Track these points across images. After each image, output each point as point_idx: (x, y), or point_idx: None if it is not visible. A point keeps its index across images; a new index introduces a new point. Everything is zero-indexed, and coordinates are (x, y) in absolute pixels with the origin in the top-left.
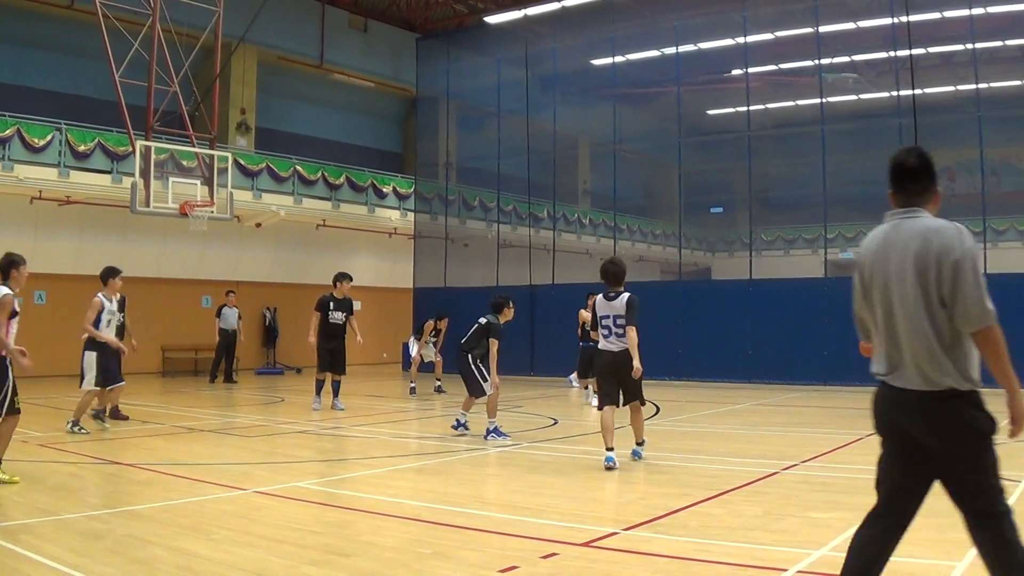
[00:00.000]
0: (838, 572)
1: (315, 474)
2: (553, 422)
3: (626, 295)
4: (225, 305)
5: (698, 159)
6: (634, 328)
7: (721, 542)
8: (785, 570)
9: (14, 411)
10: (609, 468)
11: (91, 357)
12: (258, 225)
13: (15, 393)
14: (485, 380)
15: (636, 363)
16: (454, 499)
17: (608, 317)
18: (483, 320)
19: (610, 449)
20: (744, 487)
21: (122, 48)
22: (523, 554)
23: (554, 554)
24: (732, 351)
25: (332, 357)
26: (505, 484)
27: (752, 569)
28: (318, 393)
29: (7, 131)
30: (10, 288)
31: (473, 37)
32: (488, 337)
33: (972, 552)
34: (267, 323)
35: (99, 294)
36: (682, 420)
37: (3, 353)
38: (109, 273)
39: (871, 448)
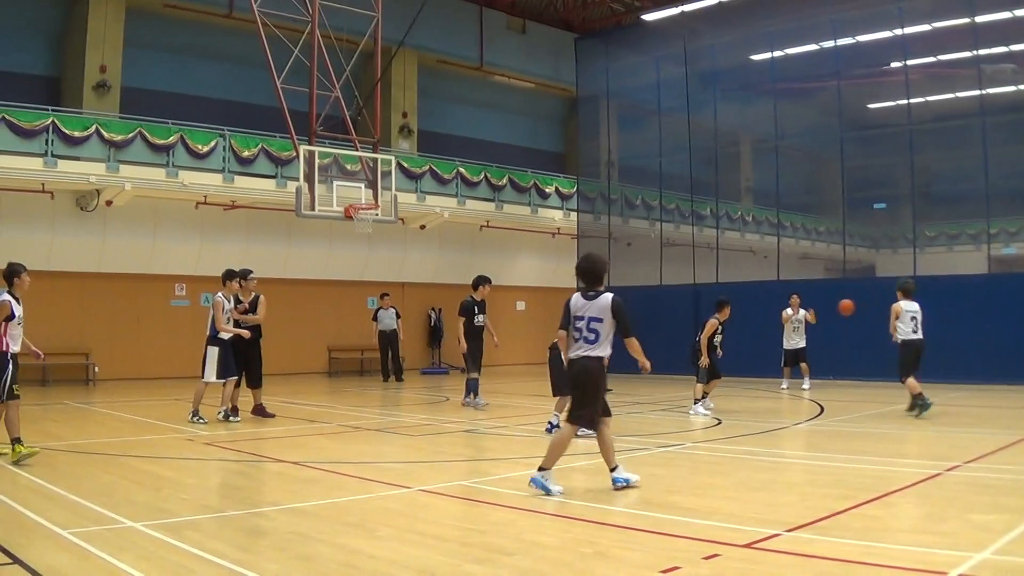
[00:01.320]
0: None
1: (479, 473)
2: (717, 422)
3: (608, 296)
4: (381, 308)
5: (860, 154)
6: (633, 338)
7: (883, 544)
8: (946, 573)
9: (13, 396)
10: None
11: (214, 352)
12: (422, 227)
13: (14, 382)
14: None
15: (645, 361)
16: (616, 499)
17: (582, 318)
18: None
19: (617, 467)
20: (906, 489)
21: (283, 55)
22: (685, 555)
23: (716, 555)
24: (896, 349)
25: (481, 357)
26: (667, 484)
27: (914, 572)
28: (476, 392)
29: (171, 138)
30: (12, 295)
31: (631, 36)
32: None
33: (995, 544)
34: (432, 323)
35: (219, 293)
36: (846, 420)
37: (3, 349)
38: (227, 275)
39: None
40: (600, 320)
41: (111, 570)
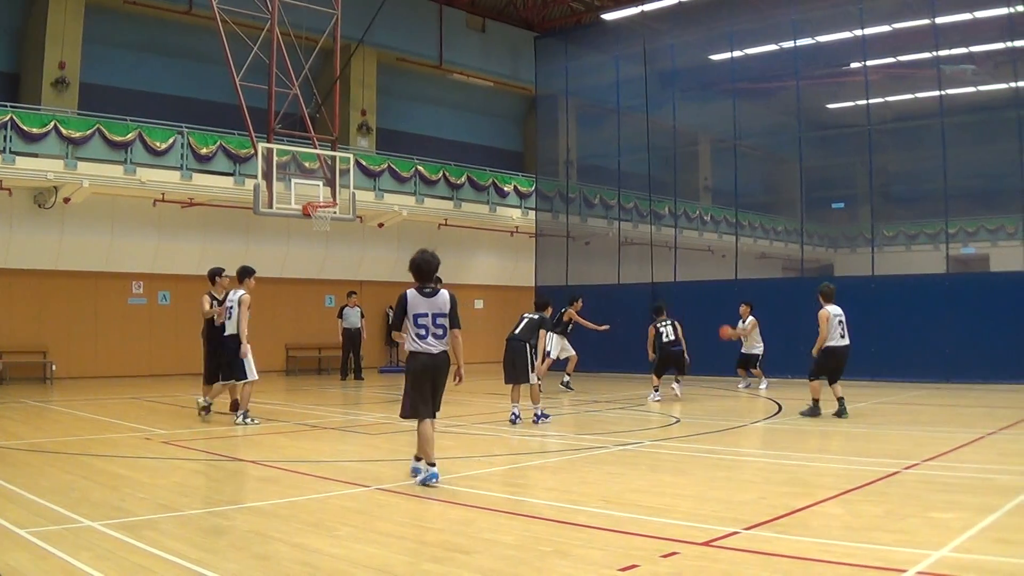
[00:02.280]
0: (958, 573)
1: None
2: (675, 420)
3: (446, 292)
4: (346, 306)
5: (818, 154)
6: (459, 331)
7: (842, 542)
8: (905, 571)
9: None
10: (428, 485)
11: (249, 350)
12: (380, 225)
13: None
14: (533, 370)
15: (462, 369)
16: (575, 497)
17: (427, 315)
18: (536, 316)
19: (433, 464)
20: (865, 487)
21: (242, 52)
22: (644, 553)
23: (675, 553)
24: (853, 348)
25: None
26: (626, 483)
27: (872, 570)
28: None
29: (129, 135)
30: None
31: (591, 35)
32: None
33: (953, 542)
34: (390, 322)
35: (244, 292)
36: (804, 419)
37: None
38: (244, 273)
39: (994, 447)
40: (446, 315)
41: (69, 570)
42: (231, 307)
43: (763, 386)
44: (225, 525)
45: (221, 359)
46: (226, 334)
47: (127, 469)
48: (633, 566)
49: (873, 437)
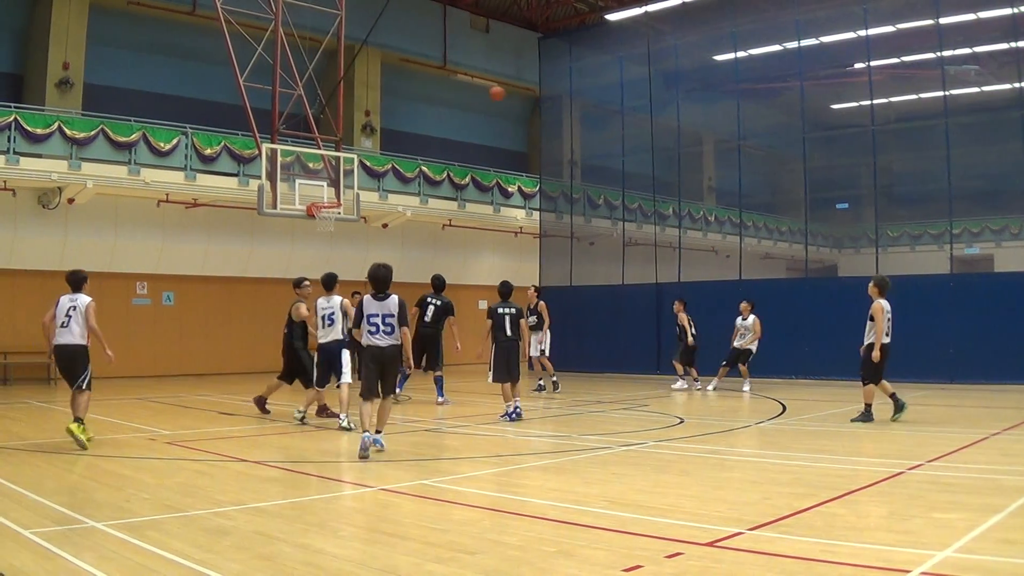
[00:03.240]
0: (962, 574)
1: (441, 472)
2: (679, 421)
3: (395, 297)
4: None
5: (823, 154)
6: (407, 328)
7: (846, 543)
8: (909, 571)
9: None
10: (364, 455)
11: (347, 355)
12: (385, 226)
13: None
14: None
15: (411, 359)
16: (579, 498)
17: (378, 316)
18: (513, 309)
19: (367, 431)
20: (869, 487)
21: (246, 53)
22: (648, 553)
23: (679, 553)
24: (858, 349)
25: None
26: (630, 483)
27: (876, 570)
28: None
29: (133, 136)
30: None
31: (595, 35)
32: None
33: (957, 542)
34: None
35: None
36: (808, 419)
37: None
38: (330, 281)
39: (997, 447)
40: (394, 316)
41: (73, 570)
42: (331, 313)
43: (746, 387)
44: (229, 526)
45: (304, 364)
46: (324, 341)
47: (131, 470)
48: (637, 567)
49: (877, 437)
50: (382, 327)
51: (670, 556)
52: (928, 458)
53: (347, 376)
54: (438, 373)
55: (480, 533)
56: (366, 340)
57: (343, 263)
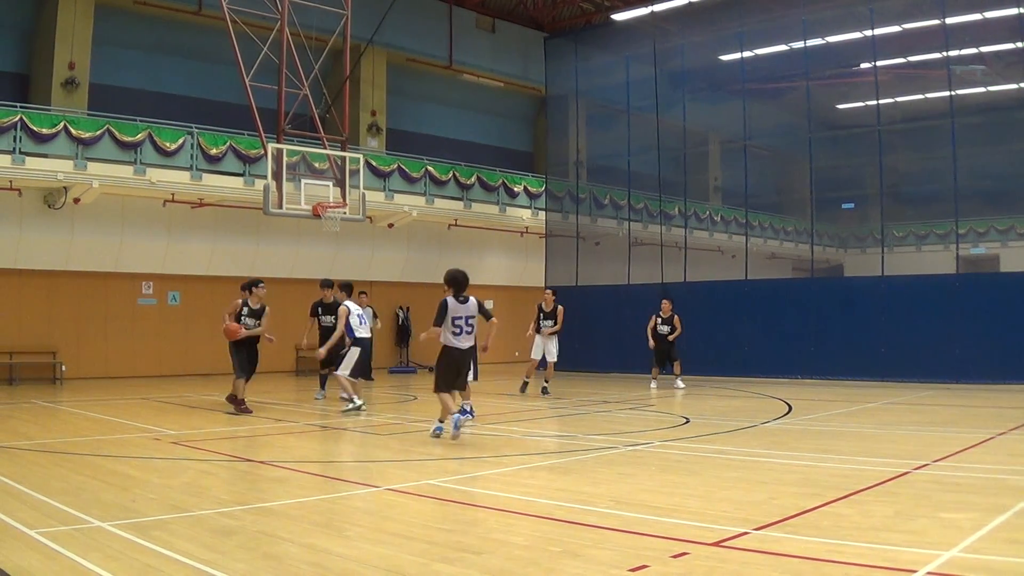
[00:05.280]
0: (968, 574)
1: (447, 472)
2: (685, 420)
3: (474, 299)
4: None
5: (828, 154)
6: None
7: (852, 543)
8: (915, 571)
9: None
10: (457, 435)
11: (355, 352)
12: (390, 225)
13: None
14: None
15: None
16: (585, 497)
17: (462, 318)
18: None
19: (454, 413)
20: (875, 487)
21: (251, 52)
22: (653, 553)
23: (685, 553)
24: (864, 349)
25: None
26: (636, 483)
27: (882, 570)
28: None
29: (139, 135)
30: None
31: (601, 35)
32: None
33: (964, 542)
34: (400, 322)
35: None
36: (814, 419)
37: None
38: (348, 287)
39: (1004, 447)
40: (475, 317)
41: (79, 570)
42: (361, 315)
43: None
44: (234, 525)
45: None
46: (360, 336)
47: (137, 469)
48: (643, 566)
49: (883, 437)
50: (465, 328)
51: (676, 556)
52: (934, 458)
53: (343, 370)
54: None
55: (486, 533)
56: (448, 341)
57: (349, 263)
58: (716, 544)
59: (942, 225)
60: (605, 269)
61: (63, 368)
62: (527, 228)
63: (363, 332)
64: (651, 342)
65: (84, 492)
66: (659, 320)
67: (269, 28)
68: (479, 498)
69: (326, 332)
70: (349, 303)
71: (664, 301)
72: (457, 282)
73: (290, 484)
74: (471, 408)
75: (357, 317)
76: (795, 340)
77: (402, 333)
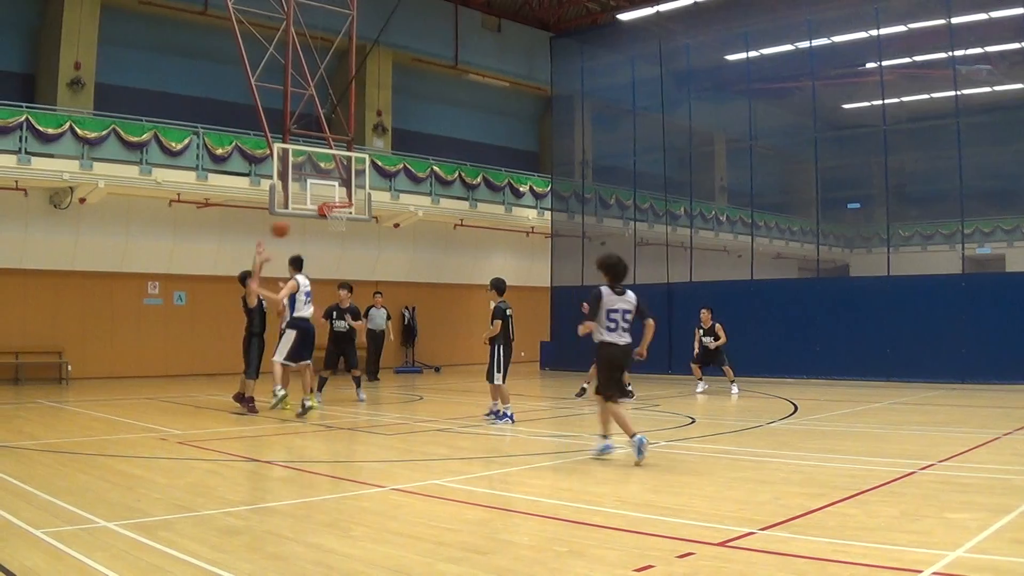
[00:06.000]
0: (974, 574)
1: (453, 472)
2: (691, 420)
3: (631, 292)
4: (372, 306)
5: (834, 154)
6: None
7: (858, 543)
8: (921, 571)
9: None
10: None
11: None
12: (396, 225)
13: None
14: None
15: (643, 350)
16: (591, 498)
17: (618, 311)
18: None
19: (636, 434)
20: (881, 487)
21: (257, 52)
22: (659, 553)
23: (690, 553)
24: (870, 349)
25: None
26: (642, 483)
27: (888, 570)
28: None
29: (145, 135)
30: None
31: (606, 35)
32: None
33: (969, 542)
34: (405, 322)
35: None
36: (819, 419)
37: None
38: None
39: (1009, 448)
40: (632, 312)
41: (84, 570)
42: (309, 292)
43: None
44: (240, 525)
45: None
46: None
47: (142, 469)
48: (649, 566)
49: (888, 437)
50: (621, 323)
51: (682, 556)
52: (940, 458)
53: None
54: None
55: (491, 533)
56: (602, 337)
57: (354, 263)
58: (722, 544)
59: (948, 225)
60: None
61: (69, 368)
62: (533, 228)
63: (304, 312)
64: (695, 350)
65: (90, 492)
66: (701, 332)
67: (275, 28)
68: (485, 498)
69: (338, 337)
70: (300, 277)
71: (703, 311)
72: (614, 270)
73: (296, 484)
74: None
75: (304, 295)
76: (801, 340)
77: (408, 333)
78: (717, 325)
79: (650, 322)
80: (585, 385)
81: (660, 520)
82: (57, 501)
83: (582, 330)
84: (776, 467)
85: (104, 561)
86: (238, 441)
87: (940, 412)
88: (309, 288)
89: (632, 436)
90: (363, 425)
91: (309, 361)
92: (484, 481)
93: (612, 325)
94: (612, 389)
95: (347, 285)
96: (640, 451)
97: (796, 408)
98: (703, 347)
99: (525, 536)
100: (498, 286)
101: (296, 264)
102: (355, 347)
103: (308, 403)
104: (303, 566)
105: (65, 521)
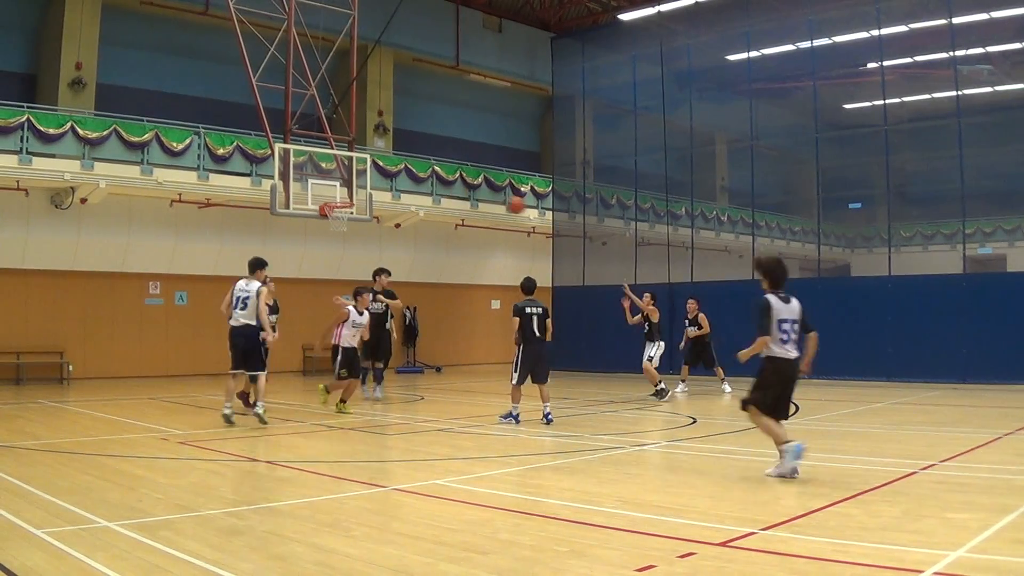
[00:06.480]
0: (975, 574)
1: (454, 472)
2: (692, 420)
3: (796, 300)
4: None
5: (835, 154)
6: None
7: (858, 543)
8: (922, 571)
9: None
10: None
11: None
12: (397, 225)
13: None
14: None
15: (808, 367)
16: (592, 498)
17: (787, 321)
18: (540, 309)
19: (786, 440)
20: (882, 487)
21: (258, 52)
22: (660, 553)
23: (691, 553)
24: (871, 349)
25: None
26: (643, 483)
27: (889, 570)
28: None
29: (146, 136)
30: None
31: (607, 35)
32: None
33: (970, 542)
34: (407, 322)
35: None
36: (820, 419)
37: None
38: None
39: (1011, 447)
40: (797, 321)
41: (86, 570)
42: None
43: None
44: (242, 525)
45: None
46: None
47: (144, 469)
48: (650, 566)
49: (889, 437)
50: (792, 334)
51: (683, 556)
52: (941, 458)
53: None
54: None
55: (493, 533)
56: (772, 351)
57: (355, 263)
58: (723, 544)
59: (949, 225)
60: (612, 269)
61: (70, 368)
62: (534, 228)
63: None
64: (683, 343)
65: (91, 492)
66: (686, 321)
67: (276, 28)
68: (485, 498)
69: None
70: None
71: (689, 301)
72: (775, 273)
73: (297, 484)
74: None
75: (235, 299)
76: (801, 340)
77: (409, 333)
78: (701, 315)
79: (813, 335)
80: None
81: (661, 520)
82: (58, 501)
83: (749, 353)
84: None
85: (105, 561)
86: (239, 441)
87: (941, 412)
88: (241, 292)
89: (784, 441)
90: (364, 425)
91: (243, 371)
92: (485, 481)
93: (784, 337)
94: (774, 410)
95: (384, 270)
96: (795, 456)
97: (797, 408)
98: (688, 341)
99: (526, 536)
100: (522, 285)
101: (256, 267)
102: (389, 334)
103: (259, 410)
104: (304, 566)
105: (66, 521)
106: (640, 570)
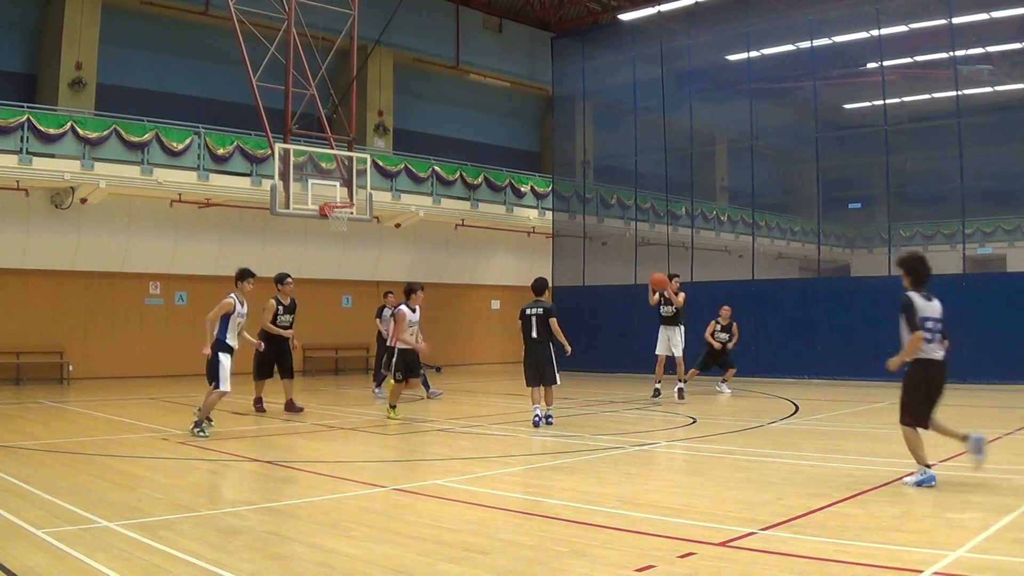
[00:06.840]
0: (975, 574)
1: (454, 472)
2: (692, 421)
3: (936, 298)
4: (384, 306)
5: (835, 154)
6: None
7: (859, 543)
8: (922, 571)
9: None
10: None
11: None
12: (397, 225)
13: None
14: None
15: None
16: (592, 498)
17: (930, 320)
18: (541, 308)
19: (928, 466)
20: (882, 487)
21: (259, 52)
22: (660, 553)
23: (691, 553)
24: (872, 349)
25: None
26: (643, 483)
27: (889, 570)
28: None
29: (146, 136)
30: None
31: (608, 35)
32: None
33: (970, 542)
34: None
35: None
36: (821, 419)
37: None
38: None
39: (1010, 447)
40: (942, 321)
41: (86, 570)
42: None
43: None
44: (241, 525)
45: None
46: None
47: (144, 469)
48: (650, 566)
49: (890, 437)
50: (936, 334)
51: (683, 556)
52: (941, 458)
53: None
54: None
55: (493, 533)
56: (918, 352)
57: (356, 263)
58: (723, 544)
59: (949, 225)
60: (612, 269)
61: (70, 368)
62: (534, 228)
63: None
64: (715, 344)
65: (91, 492)
66: (718, 327)
67: (276, 28)
68: (486, 498)
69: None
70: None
71: (724, 308)
72: (917, 271)
73: (297, 484)
74: (550, 415)
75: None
76: (802, 340)
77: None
78: (735, 324)
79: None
80: (657, 385)
81: (661, 520)
82: (58, 501)
83: (901, 359)
84: (777, 467)
85: (105, 561)
86: (240, 441)
87: (941, 412)
88: (240, 318)
89: (925, 466)
90: (364, 425)
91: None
92: (485, 481)
93: (929, 337)
94: (920, 420)
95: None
96: (921, 483)
97: (797, 408)
98: (710, 349)
99: (526, 536)
100: (531, 286)
101: (241, 276)
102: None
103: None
104: (304, 566)
105: (66, 521)
106: (640, 570)
